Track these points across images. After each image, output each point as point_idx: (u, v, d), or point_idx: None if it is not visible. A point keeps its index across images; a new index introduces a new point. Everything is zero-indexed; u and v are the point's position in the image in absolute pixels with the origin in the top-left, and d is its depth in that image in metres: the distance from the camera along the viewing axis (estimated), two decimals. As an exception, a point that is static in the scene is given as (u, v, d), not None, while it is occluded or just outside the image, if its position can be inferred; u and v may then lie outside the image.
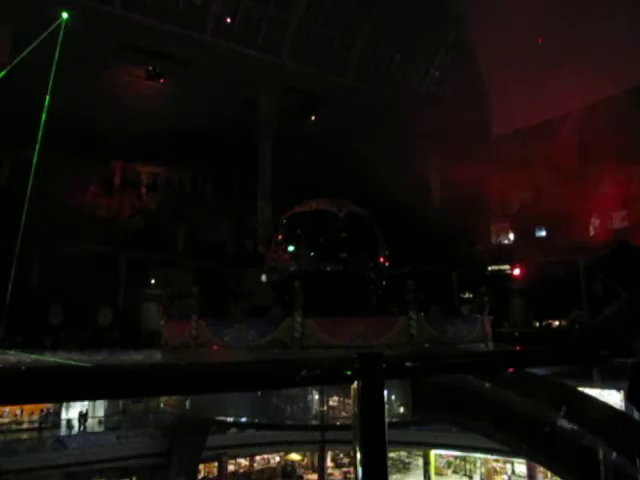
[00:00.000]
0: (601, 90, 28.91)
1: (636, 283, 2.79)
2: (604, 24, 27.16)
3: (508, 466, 24.15)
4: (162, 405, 19.66)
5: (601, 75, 26.58)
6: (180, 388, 1.86)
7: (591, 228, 34.39)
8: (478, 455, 24.33)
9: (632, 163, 28.81)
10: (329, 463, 25.94)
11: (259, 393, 12.22)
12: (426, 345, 14.11)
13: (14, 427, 22.79)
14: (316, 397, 14.18)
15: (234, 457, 25.21)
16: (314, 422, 14.34)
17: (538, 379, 12.00)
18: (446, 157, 33.25)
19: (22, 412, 22.92)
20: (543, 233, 37.73)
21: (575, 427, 10.93)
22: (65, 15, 32.26)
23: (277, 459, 26.65)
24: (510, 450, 18.04)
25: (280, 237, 17.00)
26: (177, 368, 1.62)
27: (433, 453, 25.09)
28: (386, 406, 1.81)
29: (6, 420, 22.81)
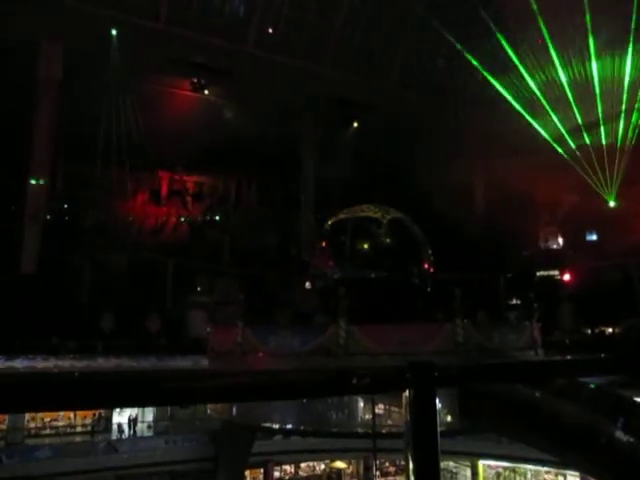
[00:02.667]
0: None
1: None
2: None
3: (560, 479, 23.36)
4: (209, 411, 19.92)
5: None
6: (232, 396, 1.89)
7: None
8: (528, 466, 23.62)
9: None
10: (374, 471, 25.72)
11: (305, 400, 12.24)
12: (473, 353, 13.83)
13: (68, 430, 23.52)
14: (361, 405, 14.09)
15: (279, 463, 25.28)
16: (359, 430, 14.24)
17: (592, 388, 11.61)
18: (492, 160, 32.64)
19: (75, 416, 23.63)
20: (594, 237, 36.59)
21: (632, 439, 10.50)
22: (114, 32, 33.37)
23: (322, 467, 26.59)
24: (562, 462, 17.46)
25: (324, 244, 17.04)
26: (229, 375, 1.64)
27: (481, 463, 24.52)
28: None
29: (60, 423, 23.58)
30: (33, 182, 29.44)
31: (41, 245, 28.61)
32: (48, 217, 30.09)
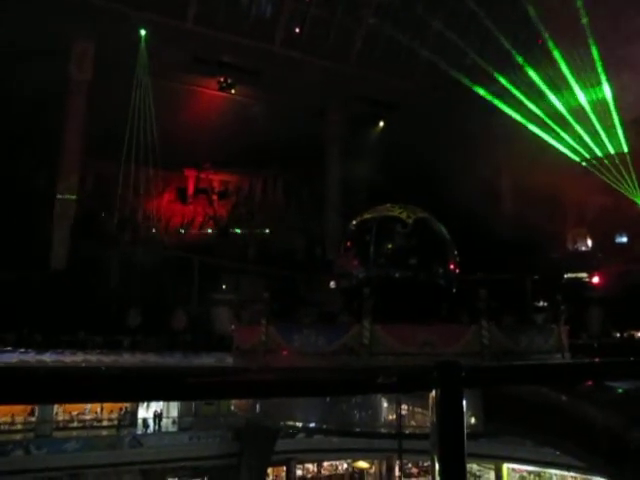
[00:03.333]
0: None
1: None
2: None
3: (587, 484, 22.95)
4: (232, 408, 20.07)
5: None
6: (260, 392, 1.91)
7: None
8: (554, 471, 23.24)
9: None
10: (396, 472, 25.62)
11: (328, 399, 12.26)
12: (498, 355, 13.68)
13: (95, 424, 23.93)
14: (385, 405, 14.04)
15: (302, 462, 25.34)
16: (383, 430, 14.20)
17: (620, 393, 11.39)
18: (519, 161, 32.21)
19: (102, 410, 24.04)
20: (624, 239, 35.87)
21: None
22: (143, 32, 33.84)
23: (345, 466, 26.58)
24: (588, 467, 17.16)
25: (349, 244, 17.02)
26: (256, 371, 1.66)
27: (505, 467, 24.22)
28: (460, 416, 1.77)
29: (88, 417, 24.00)
30: (63, 181, 30.10)
31: (70, 242, 29.20)
32: (77, 215, 30.66)
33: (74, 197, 30.32)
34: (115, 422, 23.99)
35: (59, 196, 29.80)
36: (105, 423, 24.18)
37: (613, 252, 33.90)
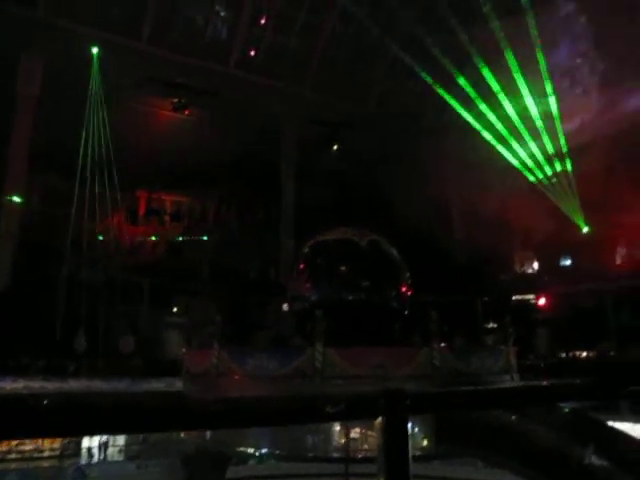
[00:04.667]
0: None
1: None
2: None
3: (536, 503, 23.28)
4: (182, 435, 19.54)
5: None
6: (204, 423, 1.86)
7: (617, 257, 33.81)
8: (504, 492, 23.54)
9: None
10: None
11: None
12: (449, 377, 13.84)
13: (36, 455, 22.83)
14: (337, 429, 13.97)
15: (254, 489, 24.83)
16: (336, 454, 14.09)
17: (565, 412, 11.67)
18: (466, 186, 33.20)
19: (43, 440, 22.96)
20: (568, 262, 37.17)
21: (606, 464, 10.55)
22: (95, 50, 33.41)
23: (297, 492, 26.19)
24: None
25: (302, 266, 16.99)
26: (202, 403, 1.62)
27: (458, 488, 24.38)
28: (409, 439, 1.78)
29: (28, 447, 22.88)
30: (7, 198, 29.06)
31: (14, 262, 28.10)
32: (22, 234, 29.59)
33: (19, 215, 29.30)
34: (58, 452, 22.96)
35: (3, 213, 28.73)
36: (47, 454, 23.10)
37: (558, 274, 35.04)
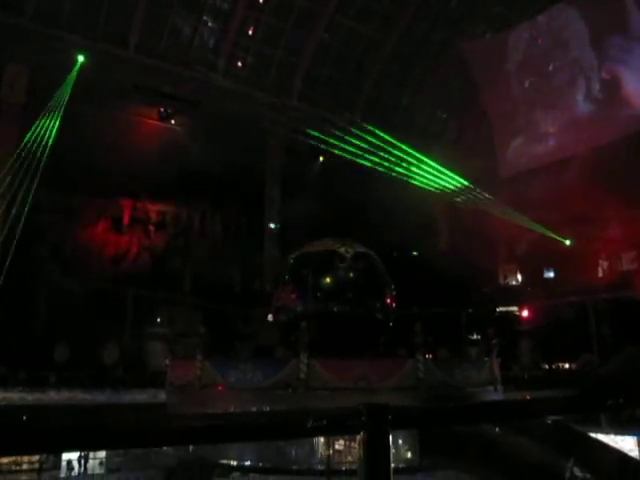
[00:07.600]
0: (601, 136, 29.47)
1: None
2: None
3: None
4: (164, 447, 19.30)
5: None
6: (187, 439, 1.85)
7: (599, 269, 34.22)
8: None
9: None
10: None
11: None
12: (434, 389, 13.87)
13: (14, 468, 22.34)
14: (322, 440, 13.89)
15: (237, 502, 24.53)
16: (319, 467, 14.01)
17: (548, 424, 11.75)
18: (452, 200, 33.50)
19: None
20: (551, 274, 37.52)
21: (587, 475, 10.63)
22: (81, 58, 33.24)
23: (281, 504, 25.93)
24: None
25: (287, 277, 16.98)
26: (185, 418, 1.62)
27: (441, 501, 24.33)
28: (392, 451, 1.80)
29: (5, 460, 22.38)
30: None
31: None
32: (3, 243, 29.18)
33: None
34: (36, 465, 22.49)
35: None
36: (25, 466, 22.61)
37: (541, 286, 35.35)
